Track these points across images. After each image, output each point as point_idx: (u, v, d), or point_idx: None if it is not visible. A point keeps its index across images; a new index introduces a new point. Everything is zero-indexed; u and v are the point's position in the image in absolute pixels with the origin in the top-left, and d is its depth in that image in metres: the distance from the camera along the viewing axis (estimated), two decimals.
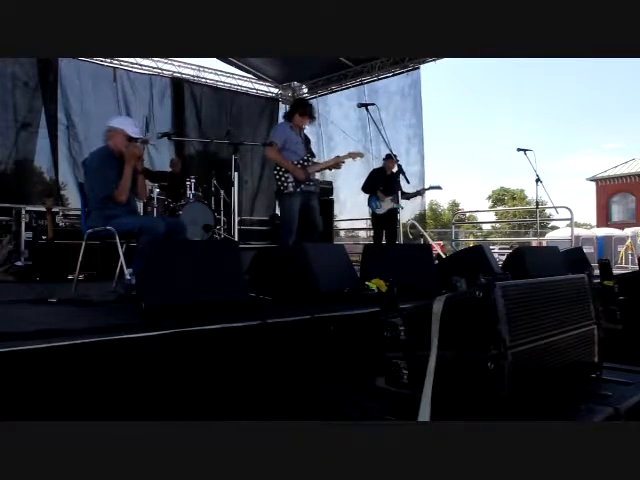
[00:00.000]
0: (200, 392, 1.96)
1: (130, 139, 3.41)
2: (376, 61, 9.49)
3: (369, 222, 10.03)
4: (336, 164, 4.69)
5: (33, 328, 1.93)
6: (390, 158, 6.77)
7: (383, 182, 6.75)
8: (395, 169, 6.66)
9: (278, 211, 4.95)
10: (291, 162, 4.34)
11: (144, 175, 3.69)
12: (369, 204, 6.94)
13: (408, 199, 7.20)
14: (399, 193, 6.01)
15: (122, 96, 8.89)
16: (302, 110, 4.50)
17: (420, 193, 7.43)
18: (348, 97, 10.33)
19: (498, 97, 74.25)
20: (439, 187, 7.32)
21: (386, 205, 6.75)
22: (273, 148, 4.34)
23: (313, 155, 4.64)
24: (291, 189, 4.31)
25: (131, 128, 3.45)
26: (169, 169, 7.66)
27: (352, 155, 4.78)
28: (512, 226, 24.72)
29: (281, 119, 4.98)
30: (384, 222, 6.82)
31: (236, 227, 4.44)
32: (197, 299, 2.45)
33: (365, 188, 6.96)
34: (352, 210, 9.93)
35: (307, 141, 4.66)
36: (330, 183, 8.78)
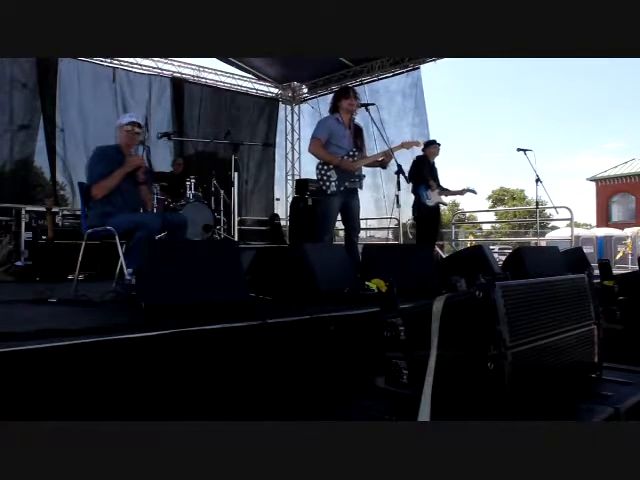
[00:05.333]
0: (200, 392, 1.96)
1: (127, 129, 3.47)
2: (376, 61, 9.49)
3: (369, 222, 10.01)
4: (386, 157, 4.25)
5: (33, 328, 1.93)
6: (433, 144, 6.07)
7: (430, 171, 5.99)
8: (438, 156, 6.14)
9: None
10: (336, 157, 4.10)
11: (147, 185, 3.69)
12: (418, 193, 5.97)
13: (446, 196, 6.48)
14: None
15: (120, 97, 8.87)
16: (346, 94, 4.26)
17: (461, 193, 6.50)
18: None
19: (498, 97, 74.33)
20: (474, 191, 6.47)
21: (435, 197, 5.97)
22: (316, 143, 4.12)
23: (360, 149, 4.28)
24: (334, 188, 4.07)
25: (123, 119, 3.58)
26: (169, 169, 7.68)
27: (405, 145, 4.38)
28: (512, 226, 24.70)
29: (326, 114, 4.55)
30: (430, 216, 5.99)
31: (236, 227, 4.44)
32: (197, 299, 2.45)
33: (412, 177, 5.85)
34: None
35: (357, 132, 4.32)
36: None
